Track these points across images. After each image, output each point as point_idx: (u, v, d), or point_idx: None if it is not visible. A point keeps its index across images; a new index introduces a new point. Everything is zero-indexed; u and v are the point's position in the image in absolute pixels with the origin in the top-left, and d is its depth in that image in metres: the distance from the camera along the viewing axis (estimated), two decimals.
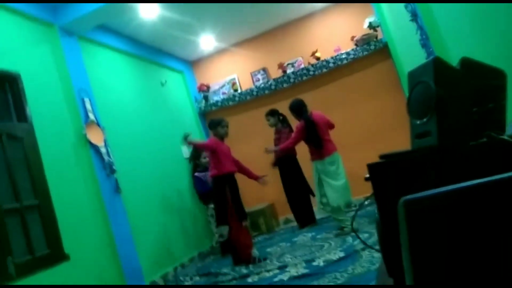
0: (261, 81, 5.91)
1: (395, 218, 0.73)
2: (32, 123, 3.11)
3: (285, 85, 5.69)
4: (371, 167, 1.03)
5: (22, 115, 3.08)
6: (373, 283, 2.49)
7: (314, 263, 3.28)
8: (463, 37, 2.31)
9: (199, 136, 5.98)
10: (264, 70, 5.96)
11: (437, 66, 1.05)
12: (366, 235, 3.65)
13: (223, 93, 6.12)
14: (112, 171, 3.71)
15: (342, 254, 3.28)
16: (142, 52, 5.15)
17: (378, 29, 5.24)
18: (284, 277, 3.18)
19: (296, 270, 3.25)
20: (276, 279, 3.18)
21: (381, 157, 1.10)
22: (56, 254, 2.97)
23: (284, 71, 5.70)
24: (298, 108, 4.19)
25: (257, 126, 5.62)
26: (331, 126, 4.31)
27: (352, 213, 4.57)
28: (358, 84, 5.48)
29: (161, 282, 4.02)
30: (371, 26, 5.22)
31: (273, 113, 4.97)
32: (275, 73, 5.83)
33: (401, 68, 4.69)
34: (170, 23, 4.75)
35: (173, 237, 4.56)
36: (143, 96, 4.96)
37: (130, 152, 4.25)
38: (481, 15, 1.97)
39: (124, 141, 4.18)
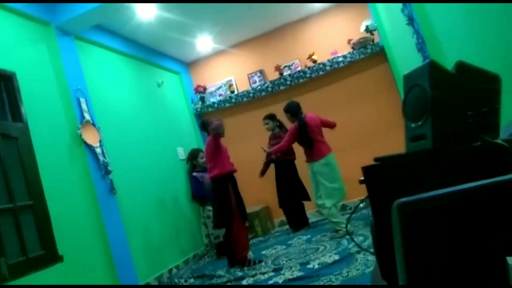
0: (257, 83, 5.91)
1: (389, 221, 0.73)
2: (27, 122, 3.09)
3: (281, 87, 5.70)
4: (365, 170, 1.03)
5: (17, 115, 3.06)
6: None
7: (309, 266, 3.27)
8: (459, 41, 2.33)
9: (194, 137, 5.97)
10: (261, 72, 5.96)
11: (432, 69, 1.05)
12: (361, 238, 3.66)
13: (220, 95, 6.12)
14: (107, 172, 3.69)
15: (337, 257, 3.28)
16: (138, 52, 5.14)
17: (375, 32, 5.27)
18: (279, 279, 3.17)
19: (291, 272, 3.24)
20: (271, 282, 3.17)
21: (376, 160, 1.10)
22: (49, 255, 2.95)
23: (281, 73, 5.71)
24: (294, 110, 4.21)
25: (254, 128, 5.62)
26: (330, 125, 4.32)
27: (347, 216, 4.57)
28: (355, 87, 5.50)
29: (155, 284, 4.00)
30: (367, 29, 5.25)
31: (272, 117, 4.97)
32: (272, 75, 5.84)
33: (397, 71, 4.71)
34: (167, 24, 4.74)
35: (168, 239, 4.55)
36: (139, 96, 4.95)
37: (126, 152, 4.23)
38: (477, 20, 1.98)
39: (119, 142, 4.16)
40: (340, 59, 5.41)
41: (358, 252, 3.20)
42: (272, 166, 4.99)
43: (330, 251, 3.53)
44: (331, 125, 4.37)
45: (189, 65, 6.47)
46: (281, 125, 4.98)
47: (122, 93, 4.61)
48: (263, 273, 3.42)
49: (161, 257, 4.32)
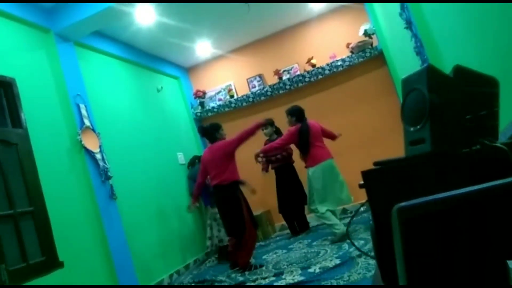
0: (257, 88, 5.92)
1: (389, 225, 0.73)
2: (27, 128, 3.09)
3: (281, 91, 5.71)
4: (365, 174, 1.03)
5: (17, 121, 3.07)
6: None
7: (310, 270, 3.26)
8: (457, 45, 2.34)
9: (194, 142, 5.97)
10: (260, 76, 5.98)
11: (430, 73, 1.06)
12: (362, 242, 3.65)
13: (219, 99, 6.12)
14: (107, 177, 3.69)
15: (338, 261, 3.27)
16: (138, 58, 5.15)
17: (373, 36, 5.29)
18: (280, 284, 3.16)
19: (292, 277, 3.23)
20: None
21: (375, 164, 1.10)
22: (50, 261, 2.94)
23: (280, 78, 5.72)
24: (300, 113, 4.22)
25: None
26: (331, 136, 4.35)
27: (347, 219, 4.57)
28: (354, 91, 5.51)
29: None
30: (366, 33, 5.27)
31: (270, 123, 4.98)
32: (271, 79, 5.85)
33: (396, 75, 4.73)
34: (166, 29, 4.76)
35: (168, 244, 4.53)
36: (139, 102, 4.95)
37: (126, 158, 4.23)
38: (475, 24, 1.99)
39: (119, 147, 4.16)
40: (339, 63, 5.43)
41: (359, 256, 3.19)
42: (273, 172, 5.00)
43: (331, 255, 3.52)
44: (332, 137, 4.39)
45: (189, 70, 6.48)
46: (278, 131, 4.99)
47: (122, 98, 4.62)
48: (264, 278, 3.41)
49: (162, 262, 4.31)
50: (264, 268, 3.75)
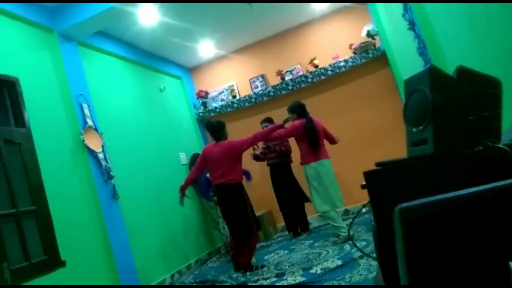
0: (259, 88, 5.92)
1: (391, 226, 0.73)
2: (30, 128, 3.10)
3: (283, 92, 5.70)
4: (367, 174, 1.03)
5: (20, 120, 3.08)
6: None
7: (312, 271, 3.26)
8: (460, 46, 2.33)
9: (197, 142, 5.98)
10: (263, 77, 5.98)
11: (433, 74, 1.05)
12: (363, 243, 3.64)
13: (222, 100, 6.13)
14: (110, 177, 3.70)
15: (339, 262, 3.27)
16: (141, 58, 5.16)
17: (376, 37, 5.28)
18: (282, 284, 3.16)
19: (293, 278, 3.23)
20: None
21: (377, 164, 1.10)
22: (52, 260, 2.95)
23: (283, 78, 5.72)
24: (302, 110, 4.21)
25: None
26: (331, 139, 4.33)
27: (349, 221, 4.56)
28: (356, 91, 5.50)
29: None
30: (369, 34, 5.26)
31: (271, 120, 4.98)
32: (274, 80, 5.85)
33: (399, 76, 4.72)
34: (169, 29, 4.77)
35: (170, 244, 4.54)
36: (141, 102, 4.96)
37: (128, 158, 4.24)
38: (478, 25, 1.98)
39: (122, 147, 4.17)
40: (342, 63, 5.42)
41: (361, 257, 3.19)
42: (268, 169, 5.00)
43: (332, 256, 3.52)
44: (332, 140, 4.36)
45: (191, 70, 6.49)
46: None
47: (125, 98, 4.63)
48: (266, 278, 3.41)
49: (164, 262, 4.31)
50: (265, 268, 3.75)
